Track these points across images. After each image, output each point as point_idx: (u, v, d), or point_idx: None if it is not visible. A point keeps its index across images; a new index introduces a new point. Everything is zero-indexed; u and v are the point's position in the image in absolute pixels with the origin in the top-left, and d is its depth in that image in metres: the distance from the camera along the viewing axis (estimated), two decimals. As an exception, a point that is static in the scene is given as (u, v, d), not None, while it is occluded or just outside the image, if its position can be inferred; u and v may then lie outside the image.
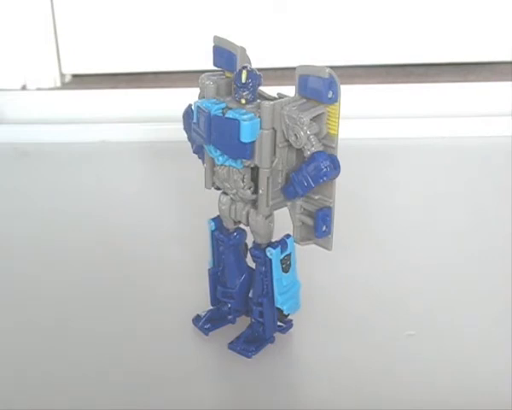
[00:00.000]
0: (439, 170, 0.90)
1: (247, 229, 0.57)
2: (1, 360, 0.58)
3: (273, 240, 0.56)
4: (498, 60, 1.09)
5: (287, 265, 0.56)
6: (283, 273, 0.56)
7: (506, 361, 0.57)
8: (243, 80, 0.51)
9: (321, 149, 0.50)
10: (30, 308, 0.64)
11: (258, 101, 0.52)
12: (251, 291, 0.58)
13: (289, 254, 0.56)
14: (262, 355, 0.57)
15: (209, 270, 0.60)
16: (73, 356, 0.58)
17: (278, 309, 0.57)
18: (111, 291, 0.66)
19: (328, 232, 0.53)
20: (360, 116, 0.97)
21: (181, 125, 0.57)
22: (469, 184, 0.85)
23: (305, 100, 0.51)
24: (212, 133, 0.52)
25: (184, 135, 0.57)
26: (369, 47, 1.08)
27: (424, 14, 1.06)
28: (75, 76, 1.13)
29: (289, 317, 0.59)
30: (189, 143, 0.57)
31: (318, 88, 0.50)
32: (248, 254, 0.58)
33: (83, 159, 0.95)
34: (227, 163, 0.53)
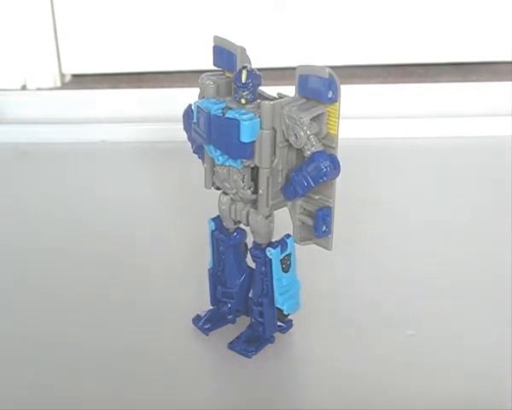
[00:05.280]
0: (439, 170, 0.90)
1: (247, 229, 0.57)
2: None
3: (273, 240, 0.56)
4: (498, 60, 1.09)
5: (287, 265, 0.56)
6: (283, 273, 0.56)
7: (506, 361, 0.57)
8: (243, 80, 0.51)
9: (321, 149, 0.50)
10: (30, 309, 0.64)
11: (258, 101, 0.52)
12: (251, 291, 0.58)
13: (289, 254, 0.56)
14: (262, 355, 0.57)
15: (209, 270, 0.60)
16: (72, 356, 0.58)
17: (278, 309, 0.57)
18: (110, 291, 0.66)
19: (329, 232, 0.53)
20: (360, 116, 0.97)
21: (181, 125, 0.57)
22: (469, 184, 0.85)
23: (305, 100, 0.51)
24: (212, 133, 0.52)
25: (184, 135, 0.57)
26: (369, 47, 1.08)
27: (424, 14, 1.06)
28: (75, 76, 1.13)
29: (289, 317, 0.59)
30: (189, 143, 0.57)
31: (318, 88, 0.50)
32: (248, 254, 0.58)
33: (83, 159, 0.95)
34: (227, 163, 0.53)
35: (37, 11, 1.05)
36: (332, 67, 0.49)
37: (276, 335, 0.59)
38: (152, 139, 0.98)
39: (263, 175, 0.52)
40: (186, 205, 0.80)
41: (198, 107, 0.52)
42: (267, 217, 0.54)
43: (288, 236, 0.55)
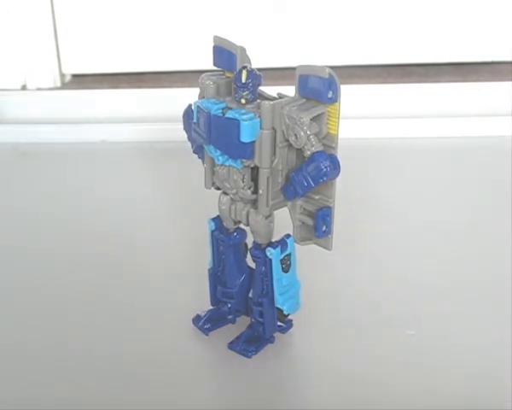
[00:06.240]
0: (438, 170, 0.90)
1: (247, 229, 0.57)
2: None
3: (273, 240, 0.56)
4: (498, 60, 1.09)
5: (287, 265, 0.56)
6: (283, 273, 0.56)
7: (506, 361, 0.57)
8: (243, 80, 0.51)
9: (321, 149, 0.50)
10: (30, 309, 0.64)
11: (258, 101, 0.52)
12: (251, 291, 0.58)
13: (289, 254, 0.56)
14: (262, 355, 0.57)
15: (209, 270, 0.60)
16: (72, 356, 0.58)
17: (278, 309, 0.57)
18: (110, 291, 0.66)
19: (329, 232, 0.53)
20: (360, 116, 0.97)
21: (181, 125, 0.57)
22: (469, 184, 0.85)
23: (305, 100, 0.51)
24: (212, 133, 0.52)
25: (184, 135, 0.57)
26: (369, 47, 1.08)
27: (424, 13, 1.06)
28: (75, 76, 1.13)
29: (289, 317, 0.59)
30: (189, 143, 0.57)
31: (318, 88, 0.50)
32: (248, 254, 0.58)
33: (83, 159, 0.95)
34: (227, 163, 0.53)
35: (37, 11, 1.05)
36: (332, 67, 0.49)
37: (276, 335, 0.59)
38: (152, 139, 0.98)
39: (263, 175, 0.52)
40: (186, 205, 0.80)
41: (198, 107, 0.52)
42: (267, 217, 0.54)
43: (288, 236, 0.55)
